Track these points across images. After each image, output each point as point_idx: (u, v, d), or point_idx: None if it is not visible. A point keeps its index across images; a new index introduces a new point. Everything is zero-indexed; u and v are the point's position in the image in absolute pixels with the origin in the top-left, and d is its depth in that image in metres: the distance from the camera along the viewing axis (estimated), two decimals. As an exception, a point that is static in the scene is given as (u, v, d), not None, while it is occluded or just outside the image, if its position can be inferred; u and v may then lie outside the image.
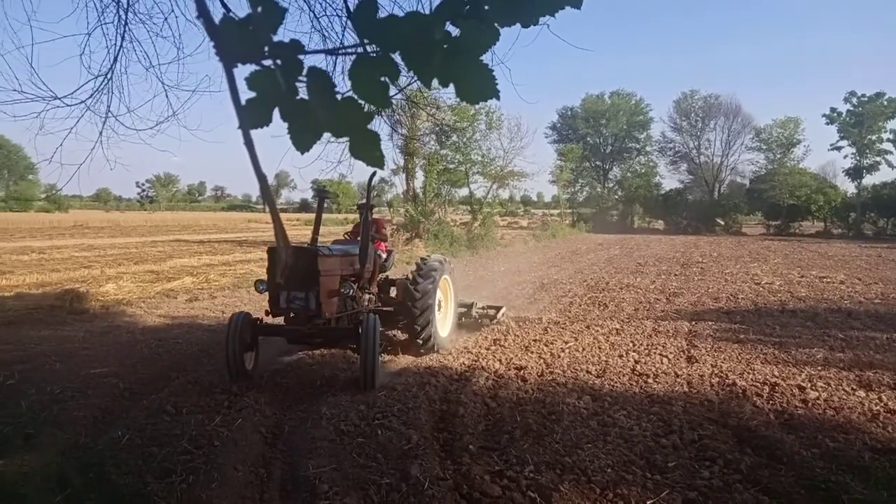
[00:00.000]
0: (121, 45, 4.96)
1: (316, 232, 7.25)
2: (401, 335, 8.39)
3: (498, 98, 1.31)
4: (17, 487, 3.99)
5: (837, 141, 50.05)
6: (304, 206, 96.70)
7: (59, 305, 10.84)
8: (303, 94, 1.26)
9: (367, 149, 1.32)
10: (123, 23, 4.92)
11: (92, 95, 4.94)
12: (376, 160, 1.35)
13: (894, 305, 12.00)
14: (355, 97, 1.29)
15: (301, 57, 1.25)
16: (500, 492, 3.99)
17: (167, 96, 5.32)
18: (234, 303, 12.21)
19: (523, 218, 59.92)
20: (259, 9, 1.20)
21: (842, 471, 4.38)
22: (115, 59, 4.99)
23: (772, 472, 4.36)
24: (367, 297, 7.74)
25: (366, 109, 1.30)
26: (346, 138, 1.31)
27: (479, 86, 1.30)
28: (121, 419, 5.31)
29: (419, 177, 29.51)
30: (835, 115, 49.41)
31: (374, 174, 4.93)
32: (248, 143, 1.20)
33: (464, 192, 34.57)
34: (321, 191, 7.83)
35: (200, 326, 9.62)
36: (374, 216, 8.03)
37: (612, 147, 61.79)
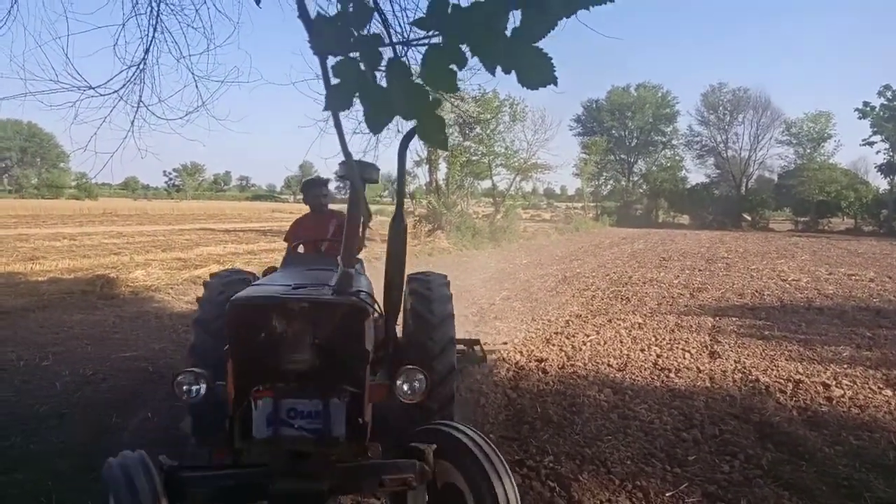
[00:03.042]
0: (153, 36, 5.08)
1: (351, 241, 3.13)
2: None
3: (556, 84, 1.41)
4: (55, 464, 4.15)
5: (870, 136, 48.82)
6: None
7: (90, 290, 11.11)
8: (380, 81, 1.42)
9: (434, 131, 1.50)
10: (156, 14, 5.03)
11: (125, 85, 5.07)
12: (441, 143, 1.52)
13: (925, 304, 11.75)
14: (424, 84, 1.43)
15: (380, 49, 1.42)
16: (519, 480, 4.04)
17: (197, 86, 5.44)
18: (259, 291, 12.38)
19: (546, 211, 59.59)
20: (350, 7, 1.39)
21: (865, 469, 4.35)
22: (147, 50, 5.11)
23: (793, 468, 4.35)
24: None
25: (431, 98, 1.45)
26: (378, 126, 1.44)
27: (538, 72, 1.40)
28: (150, 401, 5.46)
29: (442, 168, 29.55)
30: (868, 109, 48.18)
31: (410, 135, 2.29)
32: (337, 125, 1.48)
33: (486, 184, 34.54)
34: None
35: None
36: (336, 210, 5.38)
37: (637, 140, 61.06)
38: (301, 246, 5.15)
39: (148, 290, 11.75)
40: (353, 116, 11.34)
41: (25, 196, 71.01)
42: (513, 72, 1.37)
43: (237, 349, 2.74)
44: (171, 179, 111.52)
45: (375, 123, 1.45)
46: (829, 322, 9.88)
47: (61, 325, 8.57)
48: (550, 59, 1.39)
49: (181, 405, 3.63)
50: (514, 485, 2.62)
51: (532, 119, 34.65)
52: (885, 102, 47.70)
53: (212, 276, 4.58)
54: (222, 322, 3.06)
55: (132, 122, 5.29)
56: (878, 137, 48.35)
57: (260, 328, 2.66)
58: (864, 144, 50.01)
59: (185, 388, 2.91)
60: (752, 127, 56.30)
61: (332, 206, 5.41)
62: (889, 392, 6.13)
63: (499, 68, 1.37)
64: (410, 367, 3.02)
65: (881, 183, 49.69)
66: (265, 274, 4.59)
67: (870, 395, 6.02)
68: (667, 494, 3.93)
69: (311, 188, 5.35)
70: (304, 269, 3.82)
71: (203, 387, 2.86)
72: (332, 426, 2.67)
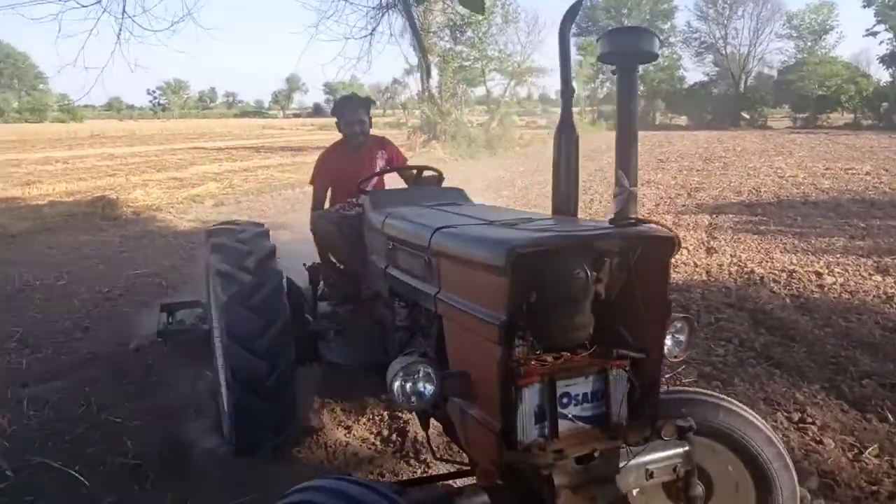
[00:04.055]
0: (134, -59, 4.86)
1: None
2: None
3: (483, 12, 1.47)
4: (88, 372, 4.39)
5: (874, 25, 47.27)
6: (317, 111, 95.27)
7: (92, 212, 11.18)
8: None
9: None
10: (136, -84, 4.79)
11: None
12: (479, 7, 1.62)
13: (919, 195, 11.89)
14: None
15: None
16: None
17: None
18: (259, 207, 12.46)
19: (542, 117, 58.59)
20: None
21: (852, 347, 4.61)
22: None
23: (784, 349, 4.61)
24: None
25: None
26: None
27: None
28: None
29: (434, 76, 28.79)
30: (873, -4, 46.38)
31: (574, 10, 2.23)
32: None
33: (480, 91, 33.79)
34: None
35: (230, 229, 9.91)
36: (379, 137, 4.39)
37: (634, 39, 59.07)
38: (329, 193, 4.15)
39: (149, 209, 11.82)
40: (344, 21, 10.98)
41: (8, 121, 69.36)
42: None
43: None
44: (155, 98, 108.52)
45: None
46: (823, 215, 10.04)
47: (69, 247, 8.70)
48: None
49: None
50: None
51: (525, 20, 33.45)
52: (892, -12, 45.80)
53: (228, 231, 3.53)
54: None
55: (118, 35, 5.17)
56: (882, 27, 46.77)
57: (551, 282, 1.85)
58: (867, 35, 48.45)
59: (409, 389, 1.89)
60: (752, 20, 54.39)
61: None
62: (879, 277, 6.37)
63: None
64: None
65: (883, 75, 48.62)
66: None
67: (860, 281, 6.26)
68: (666, 376, 4.20)
69: (347, 110, 3.97)
70: (429, 208, 2.96)
71: (433, 386, 1.90)
72: (615, 408, 1.94)
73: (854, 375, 4.12)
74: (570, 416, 1.90)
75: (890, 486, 2.95)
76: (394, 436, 3.56)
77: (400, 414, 3.73)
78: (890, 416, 3.60)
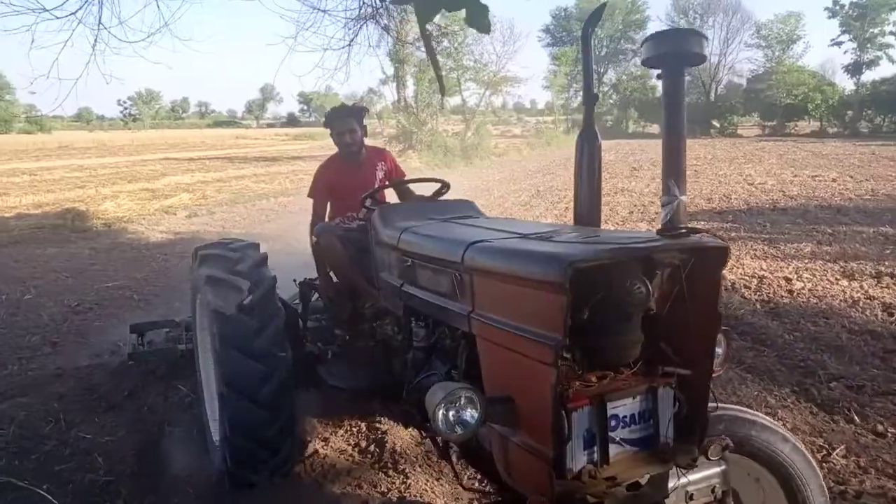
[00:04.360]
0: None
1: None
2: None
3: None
4: (56, 388, 4.28)
5: (839, 35, 48.64)
6: (291, 121, 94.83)
7: (61, 224, 10.97)
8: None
9: (479, 17, 1.74)
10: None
11: (82, 7, 4.84)
12: (486, 27, 1.75)
13: (883, 201, 12.22)
14: None
15: None
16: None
17: (158, 6, 5.22)
18: (234, 218, 12.34)
19: (517, 126, 59.02)
20: None
21: (820, 350, 4.71)
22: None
23: (756, 354, 4.70)
24: None
25: None
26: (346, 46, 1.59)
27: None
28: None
29: (409, 85, 28.87)
30: (837, 7, 47.74)
31: (596, 16, 2.52)
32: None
33: (456, 100, 33.95)
34: None
35: (204, 240, 9.76)
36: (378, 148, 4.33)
37: (607, 49, 59.95)
38: (329, 207, 3.95)
39: (120, 221, 11.64)
40: (322, 33, 10.98)
41: (-26, 132, 67.75)
42: None
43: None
44: (126, 109, 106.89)
45: (423, 16, 1.76)
46: (792, 221, 10.27)
47: (37, 259, 8.52)
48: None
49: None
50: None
51: (501, 30, 33.73)
52: (855, 0, 47.25)
53: (207, 254, 3.28)
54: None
55: (93, 47, 5.09)
56: (846, 37, 48.19)
57: (608, 298, 1.75)
58: (832, 45, 49.89)
59: (452, 417, 1.76)
60: (722, 30, 55.59)
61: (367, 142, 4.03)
62: (845, 282, 6.52)
63: None
64: None
65: (847, 84, 49.98)
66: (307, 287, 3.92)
67: (827, 286, 6.40)
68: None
69: (337, 121, 3.81)
70: (443, 222, 2.85)
71: (478, 413, 1.75)
72: (663, 429, 1.84)
73: (822, 378, 4.21)
74: (618, 439, 1.79)
75: (856, 486, 3.02)
76: (372, 447, 3.54)
77: (378, 425, 3.71)
78: (856, 417, 3.68)
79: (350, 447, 3.57)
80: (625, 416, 1.80)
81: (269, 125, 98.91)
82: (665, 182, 1.85)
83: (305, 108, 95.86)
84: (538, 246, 1.91)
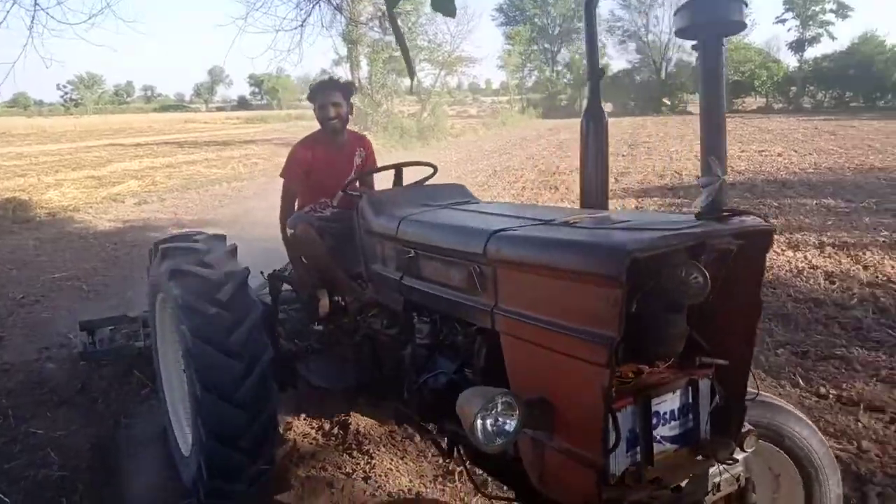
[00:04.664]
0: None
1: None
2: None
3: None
4: (3, 384, 4.14)
5: (783, 13, 50.05)
6: (242, 104, 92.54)
7: (2, 215, 10.50)
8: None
9: (445, 1, 1.68)
10: None
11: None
12: (451, 11, 1.70)
13: (825, 174, 12.70)
14: None
15: None
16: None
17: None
18: (186, 204, 12.03)
19: (472, 106, 58.94)
20: None
21: (768, 319, 4.90)
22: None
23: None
24: None
25: None
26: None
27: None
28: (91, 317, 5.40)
29: (363, 66, 28.48)
30: (781, -14, 49.00)
31: None
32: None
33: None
34: None
35: (155, 227, 9.53)
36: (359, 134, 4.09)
37: (560, 28, 60.24)
38: (299, 194, 3.63)
39: (65, 210, 11.21)
40: (273, 13, 10.67)
41: None
42: None
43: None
44: (66, 93, 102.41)
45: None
46: (740, 196, 10.58)
47: (-23, 252, 8.15)
48: None
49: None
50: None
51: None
52: (797, -21, 48.54)
53: (170, 247, 3.00)
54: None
55: (30, 28, 4.86)
56: (790, 14, 49.59)
57: (662, 289, 1.62)
58: (776, 22, 51.27)
59: (491, 427, 1.61)
60: (671, 9, 56.38)
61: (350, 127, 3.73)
62: (791, 253, 6.78)
63: None
64: None
65: (791, 61, 51.50)
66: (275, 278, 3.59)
67: (774, 257, 6.64)
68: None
69: (321, 93, 3.51)
70: (440, 209, 2.63)
71: (516, 419, 1.62)
72: (702, 423, 1.75)
73: (770, 346, 4.39)
74: (658, 437, 1.68)
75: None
76: (335, 430, 3.54)
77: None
78: (801, 381, 3.86)
79: (313, 430, 3.56)
80: (665, 413, 1.69)
81: (220, 109, 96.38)
82: (704, 161, 1.70)
83: (257, 90, 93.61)
84: (580, 235, 1.74)
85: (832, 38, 49.24)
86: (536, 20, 59.51)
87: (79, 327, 4.30)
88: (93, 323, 4.33)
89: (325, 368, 3.19)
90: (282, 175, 3.60)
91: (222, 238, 3.09)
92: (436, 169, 3.34)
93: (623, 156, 17.83)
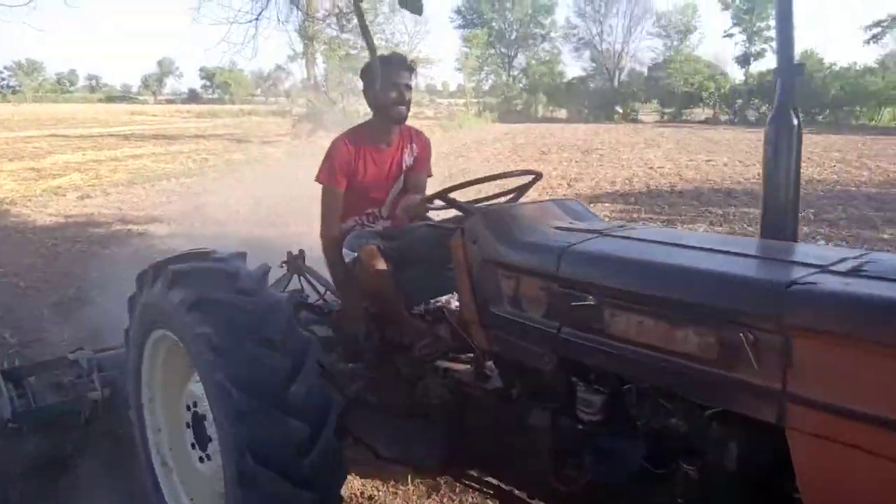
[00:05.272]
0: None
1: None
2: None
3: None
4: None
5: (730, 27, 51.97)
6: (192, 97, 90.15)
7: (-71, 206, 9.94)
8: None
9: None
10: None
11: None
12: (419, 9, 1.70)
13: (767, 184, 13.19)
14: None
15: None
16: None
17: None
18: (131, 200, 11.63)
19: (429, 108, 59.02)
20: None
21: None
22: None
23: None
24: None
25: None
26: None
27: None
28: (28, 316, 5.17)
29: (320, 63, 28.16)
30: (729, 1, 50.86)
31: None
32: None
33: (368, 80, 33.38)
34: None
35: (98, 223, 9.19)
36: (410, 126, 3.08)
37: (517, 33, 60.92)
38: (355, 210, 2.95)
39: (2, 203, 10.69)
40: (228, 4, 10.44)
41: None
42: None
43: None
44: (4, 80, 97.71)
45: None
46: (688, 203, 10.91)
47: None
48: None
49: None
50: None
51: (411, 10, 33.45)
52: (745, -6, 50.48)
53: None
54: None
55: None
56: (737, 29, 51.53)
57: None
58: (725, 36, 53.17)
59: None
60: (625, 19, 57.81)
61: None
62: (735, 260, 7.02)
63: None
64: None
65: (738, 74, 53.45)
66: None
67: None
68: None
69: (391, 71, 2.77)
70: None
71: None
72: None
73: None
74: None
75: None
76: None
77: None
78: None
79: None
80: None
81: (169, 101, 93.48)
82: None
83: (208, 84, 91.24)
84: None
85: (775, 53, 51.28)
86: (494, 24, 60.04)
87: (1, 377, 3.21)
88: (18, 372, 3.33)
89: (394, 432, 2.47)
90: (320, 179, 2.85)
91: (243, 256, 2.43)
92: (540, 176, 2.74)
93: (577, 162, 18.14)
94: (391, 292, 2.58)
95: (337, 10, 25.11)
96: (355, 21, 28.21)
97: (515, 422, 2.05)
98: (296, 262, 3.27)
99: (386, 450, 2.41)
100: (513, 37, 61.11)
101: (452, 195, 2.35)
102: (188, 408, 2.40)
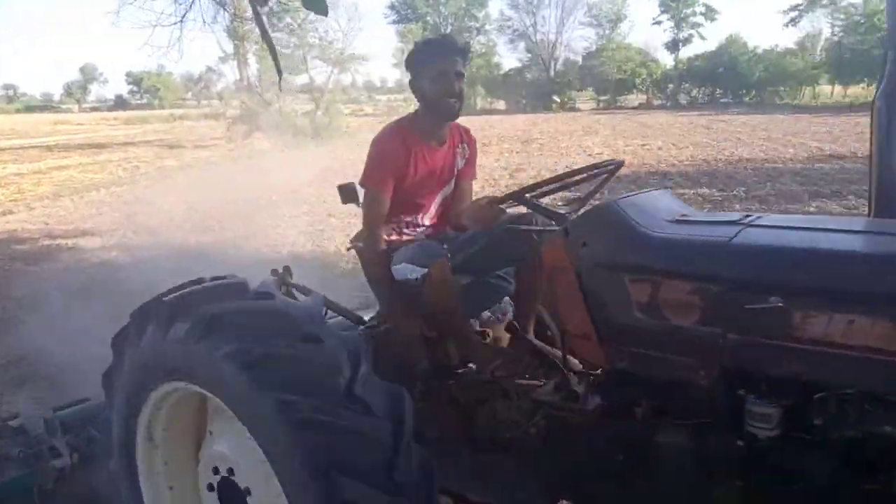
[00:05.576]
0: None
1: None
2: None
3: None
4: None
5: (659, 15, 53.60)
6: (120, 104, 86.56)
7: None
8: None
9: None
10: None
11: None
12: (323, 9, 1.76)
13: (700, 165, 13.66)
14: None
15: None
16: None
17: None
18: (58, 213, 11.06)
19: (368, 104, 58.53)
20: None
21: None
22: None
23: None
24: None
25: None
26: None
27: None
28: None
29: (252, 64, 27.48)
30: (656, -11, 52.47)
31: None
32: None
33: (303, 79, 32.83)
34: None
35: (22, 239, 8.70)
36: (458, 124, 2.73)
37: (451, 26, 61.00)
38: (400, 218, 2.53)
39: (-87, 223, 9.98)
40: (150, 8, 10.04)
41: None
42: None
43: None
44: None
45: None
46: (626, 188, 11.13)
47: None
48: None
49: None
50: None
51: (345, 6, 33.00)
52: (671, -18, 52.13)
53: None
54: None
55: None
56: (665, 16, 53.18)
57: None
58: (654, 24, 54.79)
59: None
60: (558, 10, 58.70)
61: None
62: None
63: None
64: None
65: (668, 60, 55.16)
66: None
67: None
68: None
69: (442, 57, 2.47)
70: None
71: None
72: None
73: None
74: None
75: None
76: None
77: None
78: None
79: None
80: None
81: (95, 109, 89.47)
82: None
83: (136, 89, 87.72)
84: None
85: (702, 38, 53.20)
86: (429, 18, 59.97)
87: None
88: None
89: (472, 469, 2.10)
90: (364, 182, 2.45)
91: (281, 284, 2.05)
92: (622, 164, 2.49)
93: (517, 152, 18.33)
94: (459, 311, 2.28)
95: (267, 10, 24.51)
96: (287, 19, 27.67)
97: (644, 445, 1.75)
98: (283, 280, 2.64)
99: (479, 496, 2.04)
100: (448, 30, 61.16)
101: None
102: (215, 471, 1.97)
